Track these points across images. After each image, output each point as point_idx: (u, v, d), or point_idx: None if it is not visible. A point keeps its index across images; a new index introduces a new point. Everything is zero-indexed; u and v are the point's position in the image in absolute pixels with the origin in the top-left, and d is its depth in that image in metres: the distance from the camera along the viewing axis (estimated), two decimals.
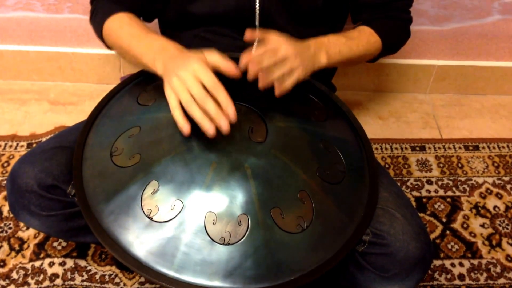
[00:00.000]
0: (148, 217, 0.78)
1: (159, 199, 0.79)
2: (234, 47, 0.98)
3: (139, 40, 0.92)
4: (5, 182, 1.31)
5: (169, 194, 0.79)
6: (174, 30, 1.08)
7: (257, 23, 1.02)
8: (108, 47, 1.02)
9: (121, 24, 0.97)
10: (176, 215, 0.78)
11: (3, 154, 1.44)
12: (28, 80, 1.66)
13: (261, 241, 0.78)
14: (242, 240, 0.77)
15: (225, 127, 0.76)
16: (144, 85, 0.96)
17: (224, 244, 0.77)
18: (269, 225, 0.78)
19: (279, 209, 0.80)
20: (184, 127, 0.78)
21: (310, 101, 0.97)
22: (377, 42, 1.06)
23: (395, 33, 1.11)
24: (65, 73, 1.65)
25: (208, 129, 0.77)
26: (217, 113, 0.76)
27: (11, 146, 1.46)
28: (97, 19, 1.00)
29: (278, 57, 0.85)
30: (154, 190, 0.80)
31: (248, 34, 0.89)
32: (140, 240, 0.77)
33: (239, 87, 0.88)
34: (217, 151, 0.83)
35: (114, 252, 0.77)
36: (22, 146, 1.46)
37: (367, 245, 0.89)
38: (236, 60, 0.97)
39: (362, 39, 1.04)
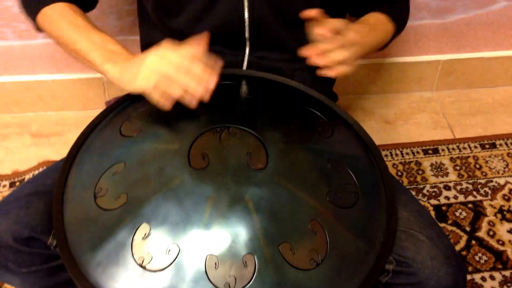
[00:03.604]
0: (141, 266, 0.72)
1: (152, 244, 0.73)
2: (224, 64, 0.91)
3: (87, 34, 0.91)
4: None
5: (163, 237, 0.74)
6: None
7: (247, 35, 0.96)
8: (39, 30, 1.00)
9: (63, 14, 0.94)
10: (172, 262, 0.72)
11: None
12: (7, 113, 1.63)
13: (272, 283, 0.71)
14: (250, 283, 0.71)
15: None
16: (127, 113, 0.91)
17: None
18: (279, 264, 0.72)
19: (289, 244, 0.74)
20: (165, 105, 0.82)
21: (311, 116, 0.92)
22: (391, 29, 1.03)
23: (403, 13, 1.09)
24: (46, 102, 1.61)
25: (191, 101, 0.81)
26: (201, 80, 0.81)
27: None
28: (30, 3, 0.98)
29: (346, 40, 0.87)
30: (145, 234, 0.74)
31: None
32: None
33: (231, 108, 0.85)
34: (213, 183, 0.77)
35: None
36: (4, 186, 1.41)
37: (391, 274, 0.82)
38: (223, 77, 0.92)
39: (379, 26, 1.02)
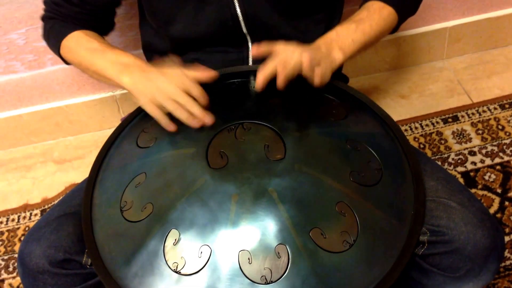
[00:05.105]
0: (176, 272, 0.72)
1: (183, 249, 0.74)
2: (228, 62, 0.93)
3: (102, 54, 0.94)
4: None
5: (193, 241, 0.74)
6: (162, 55, 1.02)
7: (245, 30, 0.96)
8: (67, 63, 1.05)
9: (79, 42, 0.98)
10: (206, 263, 0.72)
11: (18, 228, 1.40)
12: (28, 144, 1.64)
13: (308, 270, 0.71)
14: (286, 273, 0.70)
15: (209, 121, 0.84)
16: (141, 125, 0.91)
17: (266, 283, 0.70)
18: (312, 250, 0.72)
19: (319, 229, 0.73)
20: (170, 126, 0.84)
21: (324, 100, 0.91)
22: (391, 14, 0.97)
23: None
24: (64, 128, 1.62)
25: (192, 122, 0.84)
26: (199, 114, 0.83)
27: (24, 217, 1.42)
28: (52, 39, 1.02)
29: (295, 60, 0.83)
30: (175, 240, 0.74)
31: (254, 51, 0.86)
32: None
33: (242, 105, 0.85)
34: (235, 180, 0.77)
35: None
36: (36, 214, 1.42)
37: (426, 245, 0.81)
38: (231, 75, 0.94)
39: (373, 17, 0.95)
